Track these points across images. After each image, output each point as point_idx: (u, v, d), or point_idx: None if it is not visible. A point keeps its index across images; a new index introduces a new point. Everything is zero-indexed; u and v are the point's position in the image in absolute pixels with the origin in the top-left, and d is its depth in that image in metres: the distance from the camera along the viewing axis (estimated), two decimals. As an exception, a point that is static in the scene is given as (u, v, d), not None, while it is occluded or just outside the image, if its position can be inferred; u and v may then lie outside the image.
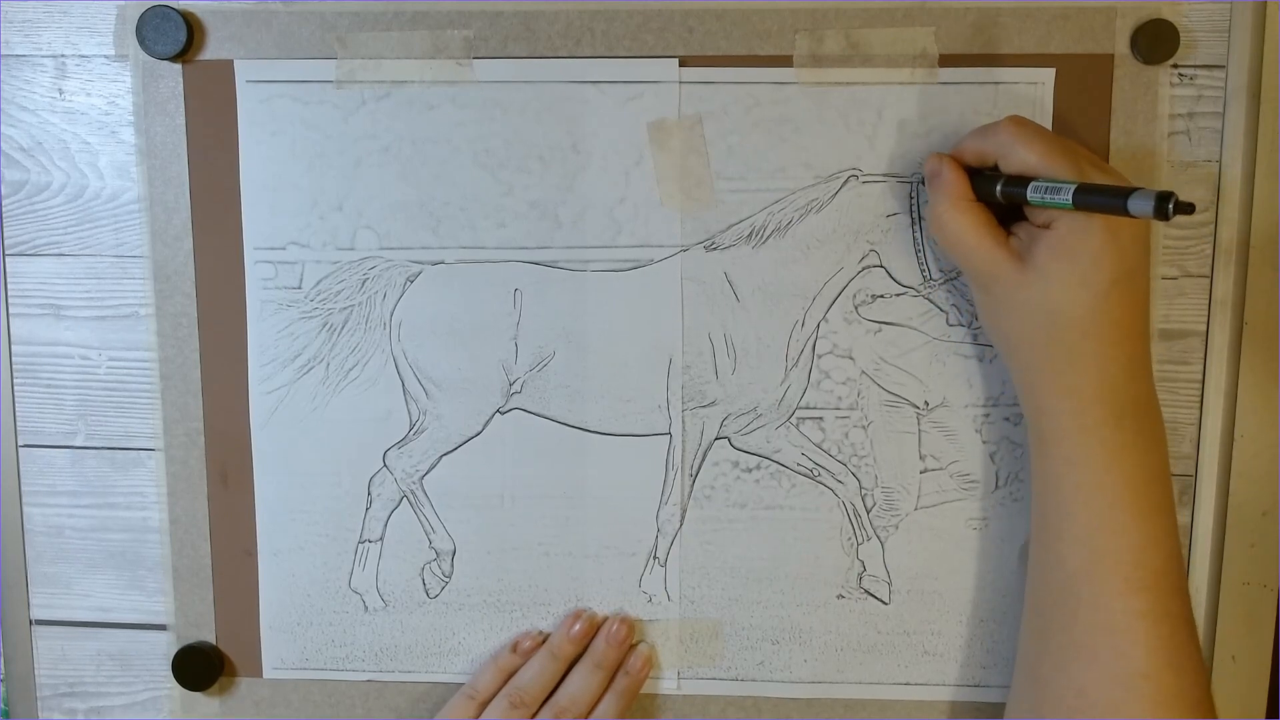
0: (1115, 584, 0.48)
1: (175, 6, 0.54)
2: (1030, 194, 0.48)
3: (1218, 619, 0.57)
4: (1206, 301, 0.55)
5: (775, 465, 0.57)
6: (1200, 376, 0.56)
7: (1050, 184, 0.47)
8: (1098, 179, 0.47)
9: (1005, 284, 0.49)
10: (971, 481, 0.57)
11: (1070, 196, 0.46)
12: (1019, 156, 0.48)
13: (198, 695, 0.60)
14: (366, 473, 0.58)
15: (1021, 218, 0.50)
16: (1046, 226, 0.48)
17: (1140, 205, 0.43)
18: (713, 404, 0.57)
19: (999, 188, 0.49)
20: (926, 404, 0.57)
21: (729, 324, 0.56)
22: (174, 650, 0.59)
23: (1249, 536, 0.56)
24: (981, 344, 0.56)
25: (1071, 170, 0.47)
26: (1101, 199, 0.45)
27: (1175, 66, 0.54)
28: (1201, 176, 0.54)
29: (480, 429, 0.57)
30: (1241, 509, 0.56)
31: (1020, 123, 0.49)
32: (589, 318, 0.56)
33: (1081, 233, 0.47)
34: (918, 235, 0.55)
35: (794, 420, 0.57)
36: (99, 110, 0.56)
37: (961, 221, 0.50)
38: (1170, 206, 0.43)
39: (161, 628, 0.60)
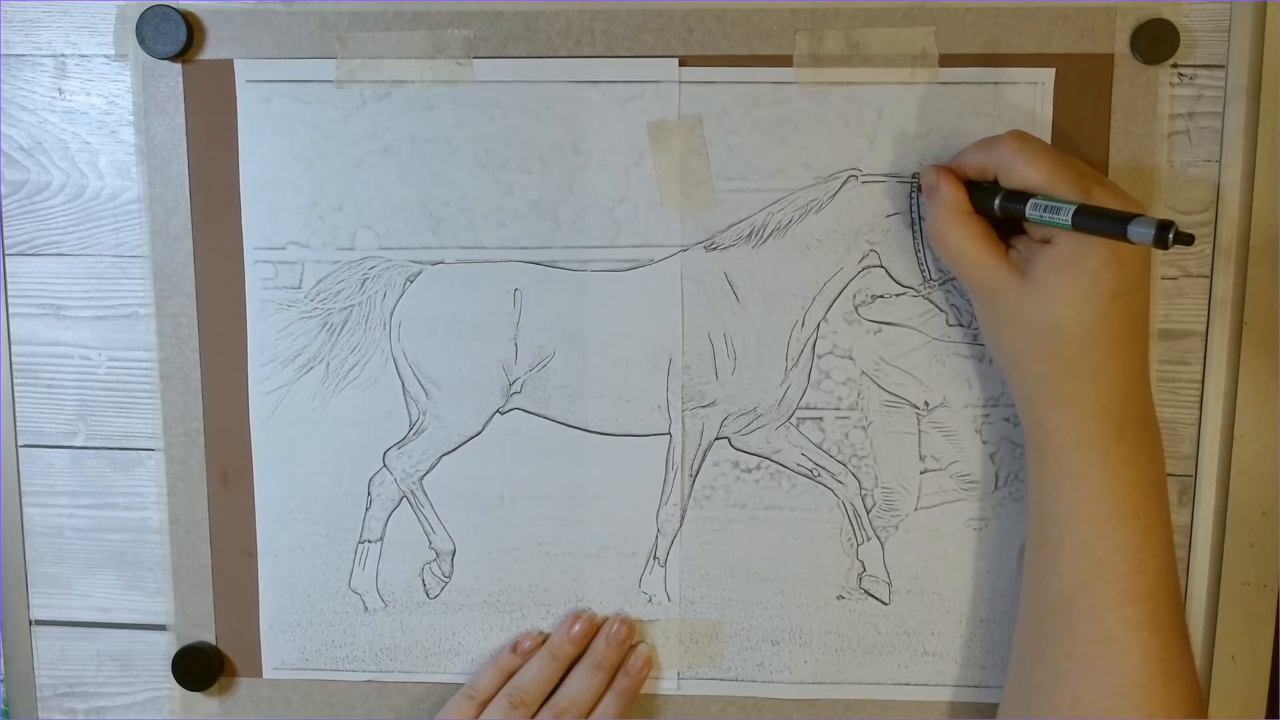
0: (1112, 595, 0.48)
1: (175, 6, 0.54)
2: (1029, 211, 0.48)
3: (1218, 619, 0.57)
4: (1206, 301, 0.55)
5: (775, 465, 0.57)
6: (1200, 376, 0.56)
7: (1050, 202, 0.47)
8: (1101, 196, 0.46)
9: (1005, 298, 0.49)
10: (971, 482, 0.57)
11: (1070, 217, 0.46)
12: (1020, 173, 0.48)
13: (198, 695, 0.60)
14: (366, 473, 0.58)
15: (1020, 230, 0.51)
16: (1047, 241, 0.48)
17: (1140, 233, 0.43)
18: (713, 404, 0.57)
19: (998, 202, 0.49)
20: (926, 404, 0.57)
21: (729, 324, 0.56)
22: (174, 650, 0.59)
23: (1249, 536, 0.56)
24: (981, 344, 0.56)
25: (1075, 189, 0.47)
26: (1101, 223, 0.45)
27: (1175, 66, 0.54)
28: (1201, 176, 0.54)
29: (480, 429, 0.57)
30: (1241, 509, 0.56)
31: (1023, 139, 0.49)
32: (589, 318, 0.56)
33: (1083, 250, 0.47)
34: (917, 235, 0.55)
35: (794, 420, 0.57)
36: (99, 110, 0.56)
37: (962, 234, 0.50)
38: (1170, 236, 0.43)
39: (161, 628, 0.60)
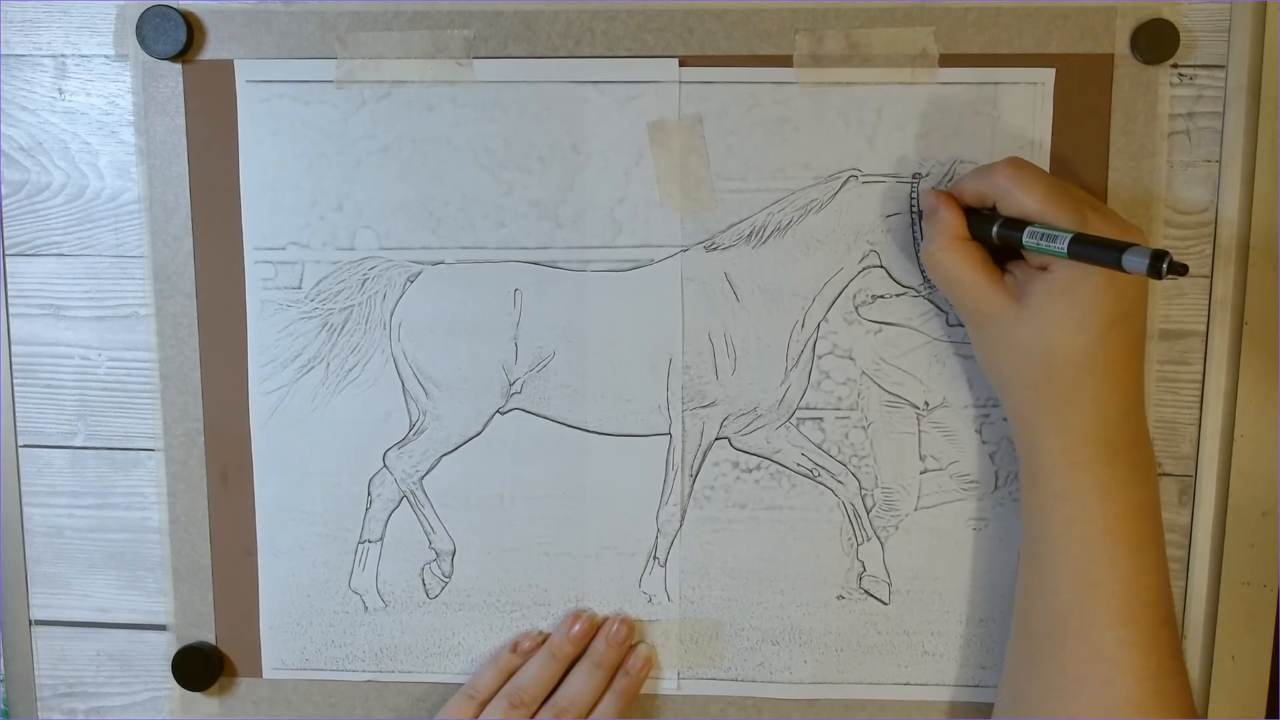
0: (1105, 615, 0.49)
1: (175, 6, 0.54)
2: (1026, 239, 0.48)
3: (1218, 619, 0.57)
4: (1206, 301, 0.55)
5: (775, 465, 0.57)
6: (1200, 376, 0.56)
7: (1047, 231, 0.47)
8: (1097, 224, 0.47)
9: (1000, 323, 0.49)
10: (971, 482, 0.57)
11: (1066, 246, 0.46)
12: (1018, 200, 0.48)
13: (197, 695, 0.60)
14: (366, 473, 0.58)
15: (1016, 257, 0.51)
16: (1044, 268, 0.48)
17: (1134, 262, 0.44)
18: (713, 404, 0.57)
19: (995, 229, 0.49)
20: (926, 404, 0.57)
21: (729, 324, 0.56)
22: (174, 650, 0.59)
23: (1249, 536, 0.56)
24: (981, 344, 0.56)
25: (1072, 217, 0.47)
26: (1096, 252, 0.45)
27: (1175, 66, 0.54)
28: (1201, 176, 0.54)
29: (480, 429, 0.57)
30: (1241, 509, 0.56)
31: (1019, 166, 0.49)
32: (589, 318, 0.56)
33: (1079, 277, 0.47)
34: (918, 235, 0.55)
35: (794, 420, 0.57)
36: (99, 110, 0.56)
37: (956, 259, 0.50)
38: (1164, 266, 0.43)
39: (161, 628, 0.60)
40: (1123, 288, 0.47)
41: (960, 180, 0.52)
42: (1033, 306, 0.48)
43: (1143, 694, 0.48)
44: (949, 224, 0.51)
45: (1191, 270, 0.55)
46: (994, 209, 0.50)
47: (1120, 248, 0.44)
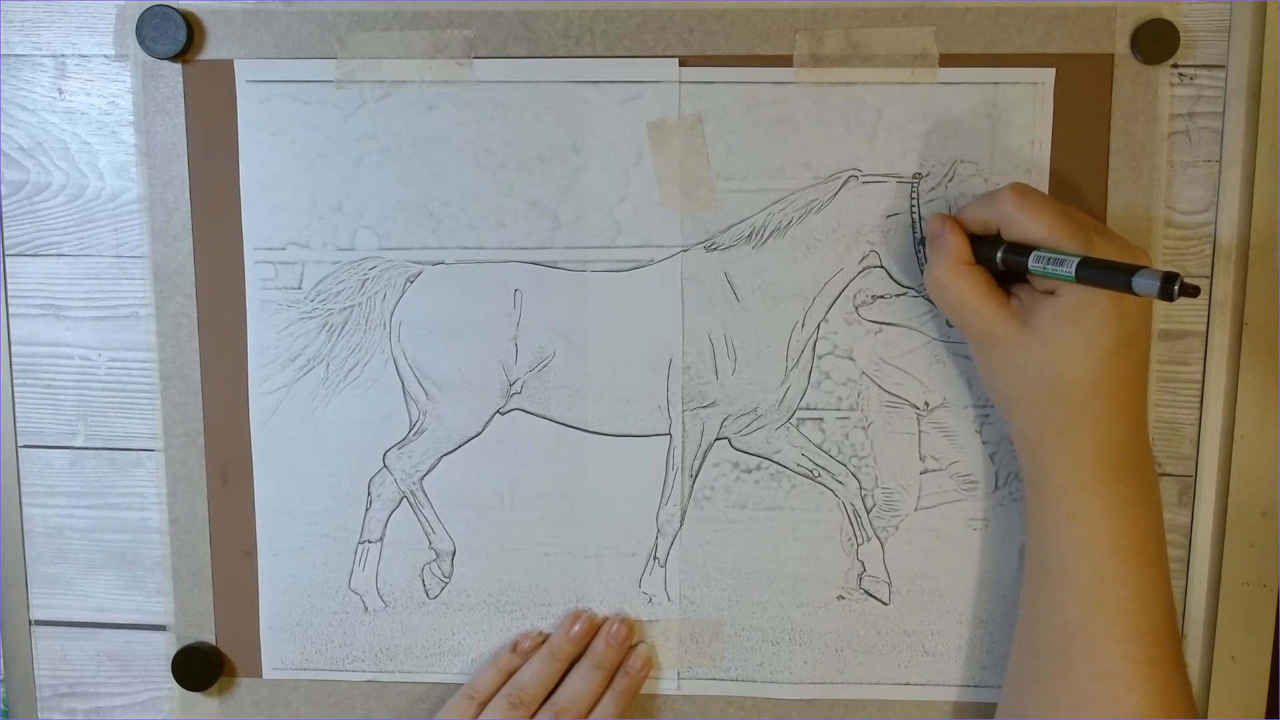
0: (1113, 632, 0.49)
1: (175, 6, 0.54)
2: (1032, 264, 0.48)
3: (1218, 619, 0.57)
4: (1206, 302, 0.55)
5: (775, 466, 0.57)
6: (1200, 377, 0.56)
7: (1053, 255, 0.47)
8: (1103, 247, 0.47)
9: (1007, 347, 0.49)
10: (971, 482, 0.57)
11: (1074, 270, 0.46)
12: (1023, 226, 0.48)
13: (197, 695, 0.60)
14: (366, 473, 0.58)
15: (1021, 280, 0.51)
16: (1051, 293, 0.48)
17: (1145, 285, 0.44)
18: (713, 404, 0.57)
19: (1000, 254, 0.49)
20: (927, 404, 0.57)
21: (729, 324, 0.56)
22: (174, 650, 0.59)
23: (1249, 536, 0.56)
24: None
25: (1077, 241, 0.47)
26: (1105, 275, 0.45)
27: (1175, 66, 0.54)
28: (1201, 176, 0.54)
29: (480, 429, 0.57)
30: (1241, 509, 0.56)
31: (1023, 191, 0.49)
32: (589, 318, 0.56)
33: (1086, 301, 0.47)
34: (918, 235, 0.55)
35: (794, 421, 0.57)
36: (99, 110, 0.56)
37: (961, 284, 0.50)
38: (1175, 288, 0.43)
39: (161, 628, 0.60)
40: (1129, 311, 0.47)
41: (964, 207, 0.52)
42: (1040, 330, 0.48)
43: (1149, 710, 0.48)
44: (954, 248, 0.51)
45: (1191, 270, 0.55)
46: (998, 234, 0.50)
47: (1130, 270, 0.44)
